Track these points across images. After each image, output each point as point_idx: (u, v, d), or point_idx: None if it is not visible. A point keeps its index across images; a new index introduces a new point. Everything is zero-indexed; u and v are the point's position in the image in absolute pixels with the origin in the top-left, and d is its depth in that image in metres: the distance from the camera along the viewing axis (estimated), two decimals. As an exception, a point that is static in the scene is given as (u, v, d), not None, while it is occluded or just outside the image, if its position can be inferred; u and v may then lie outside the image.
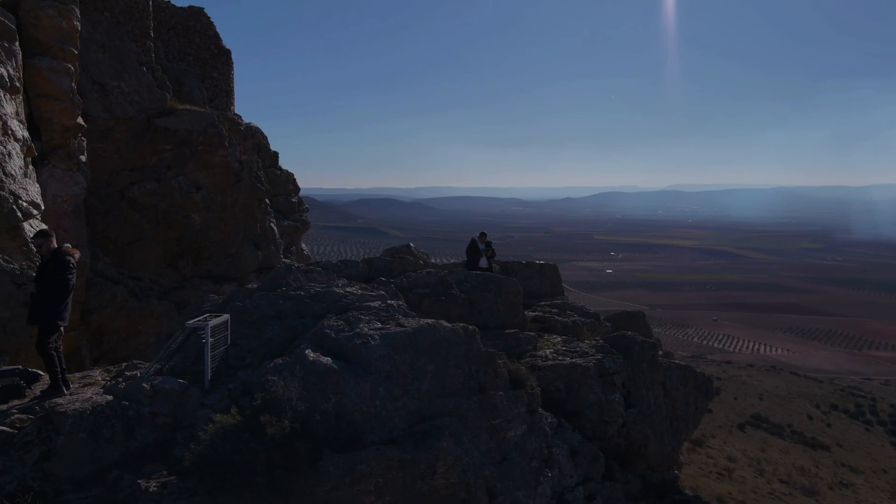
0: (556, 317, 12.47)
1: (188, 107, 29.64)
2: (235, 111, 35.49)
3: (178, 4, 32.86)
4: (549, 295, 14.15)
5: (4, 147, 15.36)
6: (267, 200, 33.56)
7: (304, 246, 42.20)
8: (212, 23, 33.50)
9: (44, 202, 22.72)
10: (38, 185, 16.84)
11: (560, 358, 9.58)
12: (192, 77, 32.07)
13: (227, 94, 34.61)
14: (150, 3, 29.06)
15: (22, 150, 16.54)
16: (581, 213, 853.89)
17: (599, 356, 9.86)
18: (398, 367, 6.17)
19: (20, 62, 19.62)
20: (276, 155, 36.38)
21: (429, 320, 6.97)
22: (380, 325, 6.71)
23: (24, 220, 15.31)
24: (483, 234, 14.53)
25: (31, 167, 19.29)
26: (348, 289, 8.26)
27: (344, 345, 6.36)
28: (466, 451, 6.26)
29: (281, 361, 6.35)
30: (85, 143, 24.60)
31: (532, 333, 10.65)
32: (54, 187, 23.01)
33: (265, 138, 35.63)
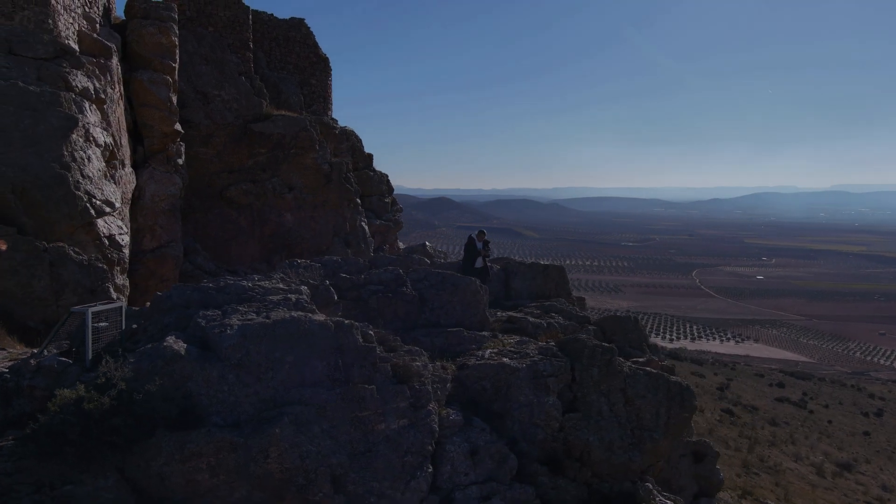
0: (531, 318, 12.21)
1: (282, 112, 31.61)
2: (334, 115, 37.30)
3: (281, 16, 35.08)
4: (551, 296, 13.84)
5: (84, 152, 17.37)
6: (358, 200, 34.98)
7: (400, 244, 43.44)
8: (311, 32, 35.47)
9: (142, 201, 25.24)
10: (115, 186, 18.84)
11: (496, 358, 9.45)
12: (290, 84, 34.15)
13: (325, 99, 36.48)
14: (250, 17, 31.32)
15: (103, 155, 18.59)
16: (730, 215, 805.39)
17: (537, 358, 9.59)
18: (251, 355, 6.52)
19: (116, 76, 21.97)
20: (370, 157, 37.82)
21: (297, 313, 7.23)
22: (254, 315, 7.09)
23: (98, 217, 17.22)
24: (482, 233, 14.50)
25: (121, 170, 21.55)
26: (262, 283, 8.74)
27: (208, 333, 6.82)
28: (313, 439, 6.49)
29: (149, 346, 6.94)
30: (183, 148, 27.01)
31: (485, 333, 10.54)
32: (153, 188, 25.49)
33: (359, 141, 37.16)
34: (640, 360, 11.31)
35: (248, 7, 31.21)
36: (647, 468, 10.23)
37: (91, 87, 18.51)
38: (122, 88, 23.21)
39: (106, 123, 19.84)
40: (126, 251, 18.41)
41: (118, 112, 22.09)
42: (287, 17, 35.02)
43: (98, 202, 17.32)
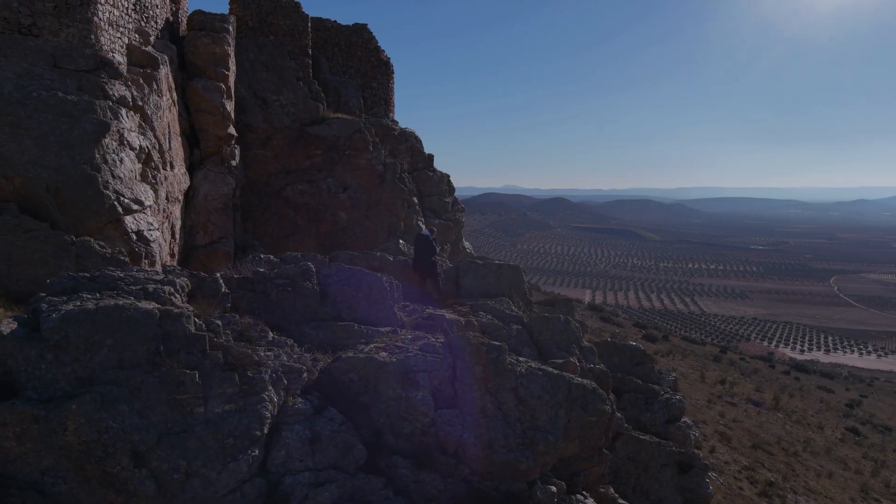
0: (440, 313, 12.26)
1: (338, 115, 32.88)
2: (397, 117, 38.18)
3: (345, 22, 36.45)
4: (503, 295, 13.71)
5: (117, 154, 19.11)
6: (414, 200, 35.69)
7: (466, 244, 43.77)
8: (373, 37, 36.58)
9: (196, 200, 27.15)
10: (149, 186, 20.50)
11: (372, 352, 9.59)
12: (351, 88, 35.41)
13: (386, 101, 37.49)
14: (309, 24, 32.81)
15: (139, 158, 20.31)
16: (877, 217, 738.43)
17: (412, 354, 9.63)
18: (69, 337, 7.17)
19: (167, 83, 23.84)
20: (430, 157, 38.43)
21: (123, 301, 7.81)
22: (92, 302, 7.74)
23: (126, 214, 18.88)
24: (432, 231, 14.57)
25: (167, 170, 23.35)
26: (138, 274, 9.40)
27: (39, 317, 7.55)
28: (117, 416, 7.03)
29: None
30: (237, 151, 28.82)
31: (384, 329, 10.67)
32: (206, 187, 27.41)
33: (419, 142, 37.85)
34: (558, 361, 11.04)
35: (307, 15, 32.71)
36: (559, 468, 10.08)
37: (129, 95, 20.28)
38: (174, 95, 25.14)
39: (147, 128, 21.61)
40: (155, 246, 19.98)
41: (167, 117, 23.95)
42: (360, 21, 36.32)
43: (126, 200, 18.96)
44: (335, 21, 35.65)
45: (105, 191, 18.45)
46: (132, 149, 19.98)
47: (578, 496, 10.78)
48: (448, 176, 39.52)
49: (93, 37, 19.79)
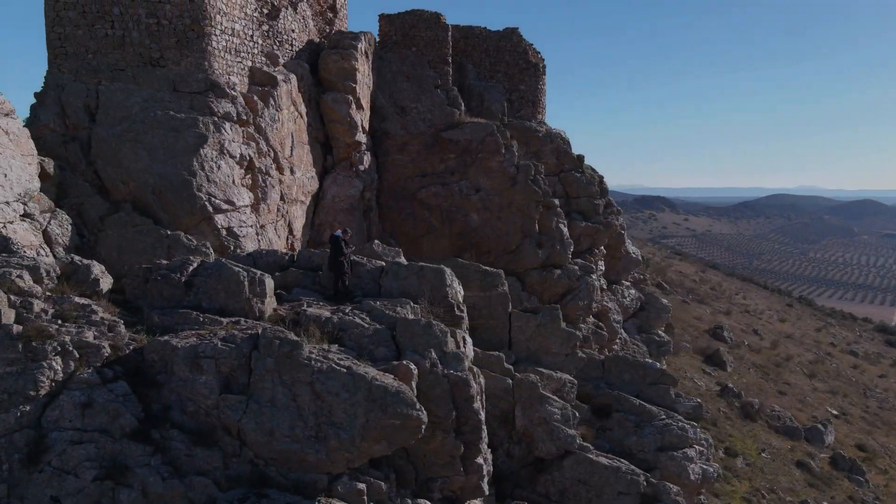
0: (311, 309, 12.40)
1: (474, 119, 33.86)
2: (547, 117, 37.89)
3: (494, 27, 37.25)
4: (423, 297, 13.34)
5: (215, 162, 22.56)
6: (556, 201, 35.21)
7: (631, 249, 41.64)
8: (522, 40, 36.75)
9: (324, 201, 30.28)
10: (245, 190, 23.67)
11: (184, 338, 10.59)
12: (494, 92, 36.08)
13: (534, 103, 37.37)
14: (449, 33, 34.26)
15: (239, 164, 23.63)
16: None
17: (206, 341, 10.32)
18: None
19: (290, 98, 27.09)
20: (580, 158, 37.34)
21: None
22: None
23: (216, 213, 22.20)
24: (345, 231, 14.78)
25: (284, 174, 26.62)
26: (8, 258, 11.53)
27: None
28: None
29: None
30: (366, 156, 31.43)
31: (225, 320, 11.12)
32: (334, 190, 30.44)
33: (566, 143, 37.02)
34: (394, 363, 10.90)
35: (448, 25, 34.18)
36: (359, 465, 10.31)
37: (233, 111, 23.67)
38: (301, 108, 28.42)
39: (259, 138, 24.93)
40: (247, 240, 23.04)
41: (289, 128, 27.24)
42: (507, 27, 36.93)
43: (217, 201, 22.29)
44: (484, 28, 36.63)
45: (198, 193, 21.91)
46: (232, 157, 23.31)
47: (422, 500, 10.80)
48: (601, 177, 38.16)
49: (206, 63, 23.51)
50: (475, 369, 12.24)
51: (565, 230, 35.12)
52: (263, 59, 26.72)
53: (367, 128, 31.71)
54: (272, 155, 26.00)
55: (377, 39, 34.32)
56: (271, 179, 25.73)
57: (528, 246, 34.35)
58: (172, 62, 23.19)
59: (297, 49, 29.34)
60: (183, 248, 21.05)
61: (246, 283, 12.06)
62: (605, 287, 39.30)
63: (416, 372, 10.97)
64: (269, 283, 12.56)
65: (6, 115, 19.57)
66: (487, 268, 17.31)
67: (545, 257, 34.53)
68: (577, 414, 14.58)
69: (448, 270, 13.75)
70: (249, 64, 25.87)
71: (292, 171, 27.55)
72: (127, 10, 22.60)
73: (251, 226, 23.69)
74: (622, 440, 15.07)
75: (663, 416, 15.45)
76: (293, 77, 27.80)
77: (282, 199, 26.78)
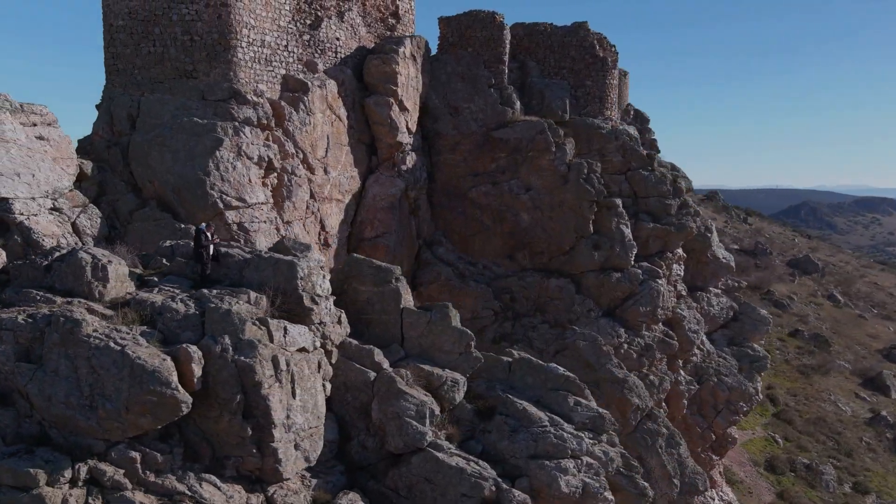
0: (145, 294, 13.04)
1: (526, 118, 33.35)
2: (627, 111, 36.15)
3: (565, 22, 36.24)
4: (273, 288, 13.61)
5: (232, 163, 24.72)
6: (617, 201, 33.58)
7: (721, 253, 38.28)
8: (589, 34, 35.30)
9: (365, 199, 31.63)
10: (259, 188, 25.55)
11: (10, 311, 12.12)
12: (556, 89, 35.09)
13: (601, 99, 35.70)
14: (505, 32, 33.99)
15: (259, 165, 25.60)
16: None
17: (10, 316, 11.52)
18: None
19: (322, 101, 28.75)
20: (649, 157, 35.04)
21: None
22: None
23: (227, 210, 24.32)
24: (209, 225, 15.33)
25: (317, 174, 28.36)
26: None
27: None
28: None
29: None
30: (410, 156, 32.30)
31: (60, 300, 12.54)
32: (375, 189, 31.71)
33: (633, 140, 34.90)
34: (179, 346, 11.64)
35: (503, 24, 33.94)
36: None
37: (254, 116, 25.72)
38: (340, 111, 30.00)
39: (287, 140, 26.84)
40: (257, 235, 24.95)
41: (323, 130, 28.92)
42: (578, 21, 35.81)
43: (228, 198, 24.44)
44: (550, 24, 35.79)
45: (210, 191, 24.20)
46: (249, 158, 25.39)
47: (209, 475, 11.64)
48: (676, 176, 35.59)
49: (231, 73, 25.82)
50: (282, 358, 12.62)
51: (627, 231, 33.35)
52: (300, 66, 28.63)
53: (412, 129, 32.56)
54: (301, 156, 27.79)
55: (438, 42, 35.08)
56: (297, 179, 27.52)
57: (583, 247, 33.16)
58: (203, 74, 25.76)
59: (345, 55, 30.94)
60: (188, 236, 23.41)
61: (88, 268, 13.55)
62: (684, 293, 36.68)
63: (197, 355, 11.74)
64: (115, 269, 13.93)
65: (48, 124, 23.14)
66: (382, 263, 17.41)
67: (603, 259, 33.08)
68: (437, 412, 14.27)
69: (302, 264, 14.23)
70: (283, 72, 27.87)
71: (326, 171, 29.19)
72: (166, 30, 25.53)
73: (265, 221, 25.59)
74: (496, 443, 14.52)
75: (546, 424, 14.58)
76: (332, 83, 29.45)
77: (312, 197, 28.50)
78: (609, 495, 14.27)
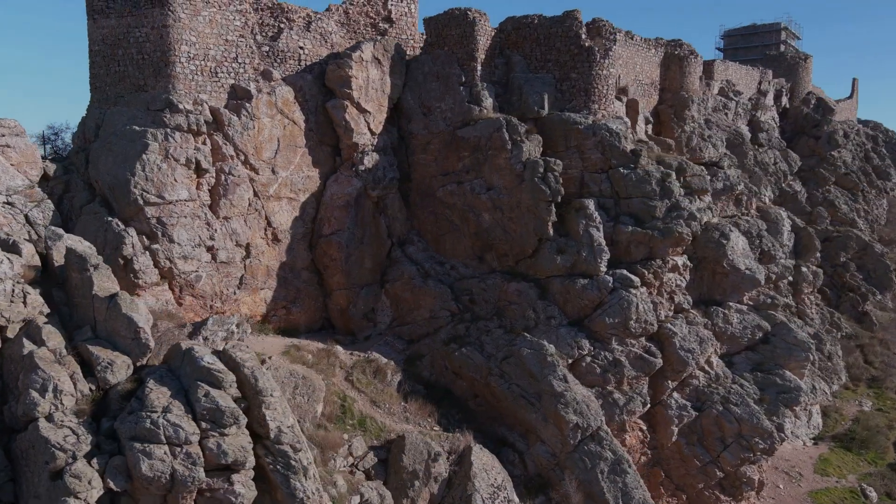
0: None
1: (489, 116, 32.15)
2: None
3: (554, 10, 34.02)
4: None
5: (157, 165, 27.85)
6: (589, 202, 30.97)
7: (739, 263, 32.93)
8: (577, 23, 32.59)
9: (323, 198, 33.19)
10: (183, 188, 28.26)
11: None
12: (536, 84, 33.02)
13: (587, 92, 32.62)
14: (477, 29, 32.95)
15: (187, 166, 28.46)
16: None
17: None
18: None
19: (267, 107, 30.92)
20: (631, 153, 31.23)
21: None
22: None
23: (146, 206, 27.46)
24: None
25: (261, 174, 30.69)
26: None
27: None
28: None
29: None
30: (368, 157, 33.08)
31: None
32: (333, 188, 33.15)
33: (613, 136, 31.35)
34: None
35: (476, 21, 32.94)
36: None
37: (184, 123, 28.69)
38: (296, 115, 31.91)
39: (227, 144, 29.53)
40: (174, 229, 27.83)
41: (271, 133, 31.11)
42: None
43: (149, 196, 27.69)
44: (538, 15, 33.85)
45: (133, 189, 27.69)
46: (176, 160, 28.47)
47: None
48: (667, 175, 31.51)
49: (171, 86, 29.14)
50: None
51: (598, 235, 30.60)
52: (254, 75, 31.10)
53: (375, 130, 33.23)
54: (242, 157, 30.26)
55: (423, 43, 35.28)
56: (235, 178, 30.00)
57: (546, 250, 31.14)
58: (151, 87, 29.46)
59: (311, 62, 32.76)
60: (112, 231, 27.18)
61: None
62: (687, 307, 32.44)
63: None
64: None
65: (16, 135, 28.41)
66: (84, 253, 18.78)
67: (569, 264, 30.76)
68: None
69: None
70: (232, 81, 30.58)
71: (274, 171, 31.31)
72: (126, 51, 29.70)
73: (187, 216, 28.43)
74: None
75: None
76: (286, 88, 31.52)
77: (256, 195, 30.81)
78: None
